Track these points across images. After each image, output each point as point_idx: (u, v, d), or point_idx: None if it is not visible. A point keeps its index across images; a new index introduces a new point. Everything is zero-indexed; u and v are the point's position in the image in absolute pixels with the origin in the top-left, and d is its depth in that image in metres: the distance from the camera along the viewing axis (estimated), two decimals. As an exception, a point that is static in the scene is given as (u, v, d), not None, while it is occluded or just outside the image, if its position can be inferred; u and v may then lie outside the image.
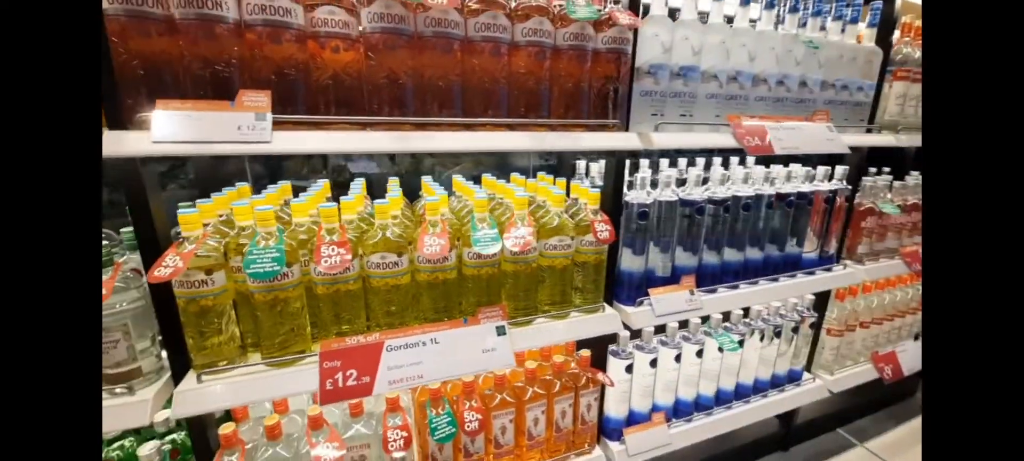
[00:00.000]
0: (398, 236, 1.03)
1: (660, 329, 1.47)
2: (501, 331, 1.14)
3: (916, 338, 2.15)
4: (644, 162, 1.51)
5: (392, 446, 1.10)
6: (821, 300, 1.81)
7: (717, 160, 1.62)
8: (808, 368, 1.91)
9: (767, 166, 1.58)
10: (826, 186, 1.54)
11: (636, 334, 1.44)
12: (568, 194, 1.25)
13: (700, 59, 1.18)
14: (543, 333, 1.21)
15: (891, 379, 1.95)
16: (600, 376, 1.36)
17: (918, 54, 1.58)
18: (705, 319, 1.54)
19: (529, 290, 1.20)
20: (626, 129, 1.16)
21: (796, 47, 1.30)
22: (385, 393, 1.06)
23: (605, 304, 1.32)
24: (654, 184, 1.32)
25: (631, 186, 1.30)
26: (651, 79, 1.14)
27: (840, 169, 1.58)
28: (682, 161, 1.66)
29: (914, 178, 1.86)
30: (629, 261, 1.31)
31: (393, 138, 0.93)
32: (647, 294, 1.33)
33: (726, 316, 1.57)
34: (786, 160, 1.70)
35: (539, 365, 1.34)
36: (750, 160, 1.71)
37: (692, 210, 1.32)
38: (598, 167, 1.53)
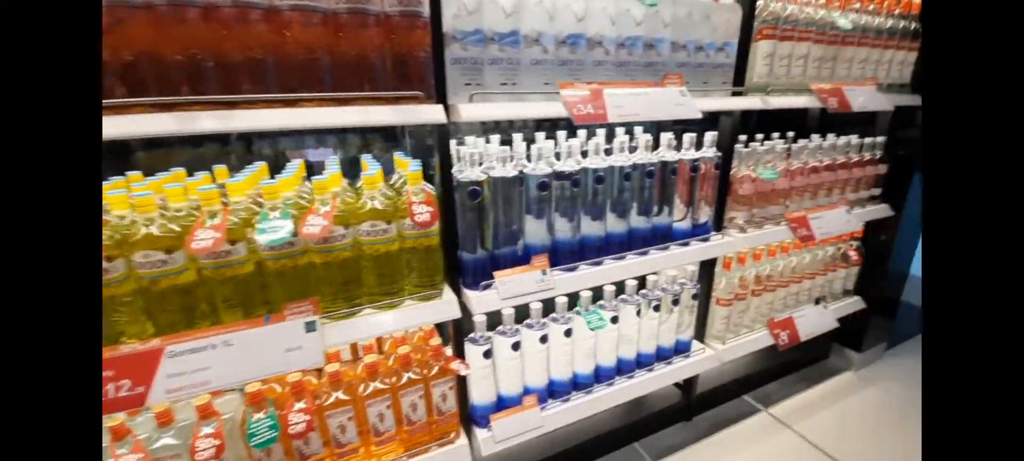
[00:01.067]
0: (166, 230, 0.93)
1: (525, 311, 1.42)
2: (311, 327, 1.06)
3: (817, 302, 2.16)
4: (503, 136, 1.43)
5: (200, 455, 1.02)
6: (707, 270, 1.78)
7: (583, 133, 1.55)
8: (701, 338, 1.90)
9: (654, 135, 1.51)
10: (692, 155, 1.48)
11: (496, 317, 1.38)
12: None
13: (518, 22, 1.09)
14: (370, 325, 1.13)
15: (787, 345, 1.95)
16: (453, 365, 1.30)
17: (788, 9, 1.52)
18: (574, 298, 1.49)
19: (350, 280, 1.11)
20: (441, 101, 1.07)
21: (633, 6, 1.22)
22: (163, 402, 0.97)
23: (446, 289, 1.25)
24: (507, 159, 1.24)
25: (475, 162, 1.22)
26: (459, 45, 1.05)
27: (711, 136, 1.52)
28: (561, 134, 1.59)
29: (808, 142, 1.83)
30: (468, 243, 1.24)
31: (129, 121, 0.83)
32: (493, 277, 1.26)
33: (597, 293, 1.52)
34: (666, 127, 1.64)
35: (382, 358, 1.28)
36: (620, 130, 1.65)
37: (536, 186, 1.25)
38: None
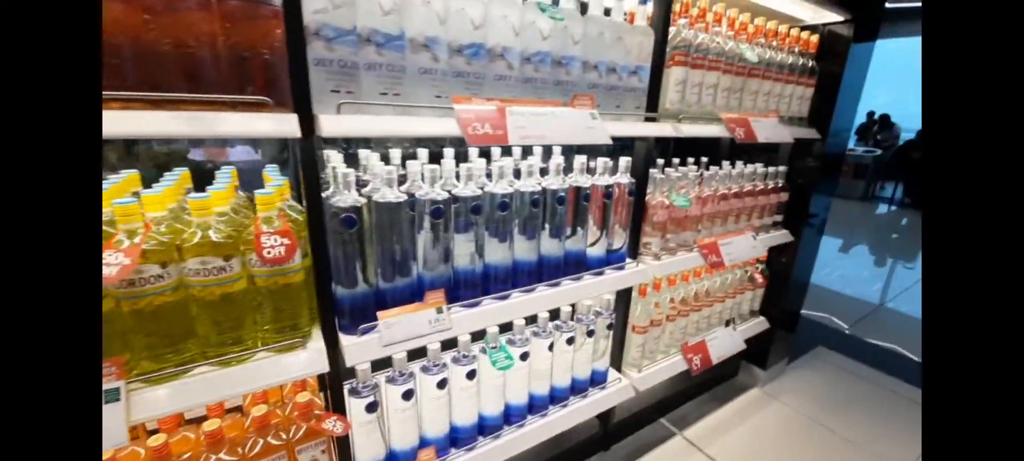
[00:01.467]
0: None
1: (420, 353, 1.24)
2: (112, 397, 0.80)
3: (727, 324, 2.21)
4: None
5: None
6: (623, 298, 1.73)
7: (498, 151, 1.42)
8: (618, 367, 1.84)
9: (568, 158, 1.40)
10: (607, 180, 1.41)
11: (384, 363, 1.19)
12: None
13: (401, 22, 0.93)
14: (202, 389, 0.89)
15: (699, 369, 1.95)
16: (327, 424, 1.08)
17: (699, 38, 1.51)
18: (480, 335, 1.34)
19: (174, 333, 0.87)
20: (302, 109, 0.86)
21: (540, 18, 1.11)
22: None
23: (316, 336, 1.04)
24: (386, 181, 1.05)
25: (352, 184, 1.02)
26: (323, 44, 0.86)
27: (625, 161, 1.46)
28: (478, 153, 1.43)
29: (718, 170, 1.86)
30: (345, 278, 1.04)
31: None
32: (377, 318, 1.07)
33: (503, 328, 1.39)
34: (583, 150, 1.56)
35: (230, 422, 1.03)
36: (538, 151, 1.54)
37: (430, 212, 1.09)
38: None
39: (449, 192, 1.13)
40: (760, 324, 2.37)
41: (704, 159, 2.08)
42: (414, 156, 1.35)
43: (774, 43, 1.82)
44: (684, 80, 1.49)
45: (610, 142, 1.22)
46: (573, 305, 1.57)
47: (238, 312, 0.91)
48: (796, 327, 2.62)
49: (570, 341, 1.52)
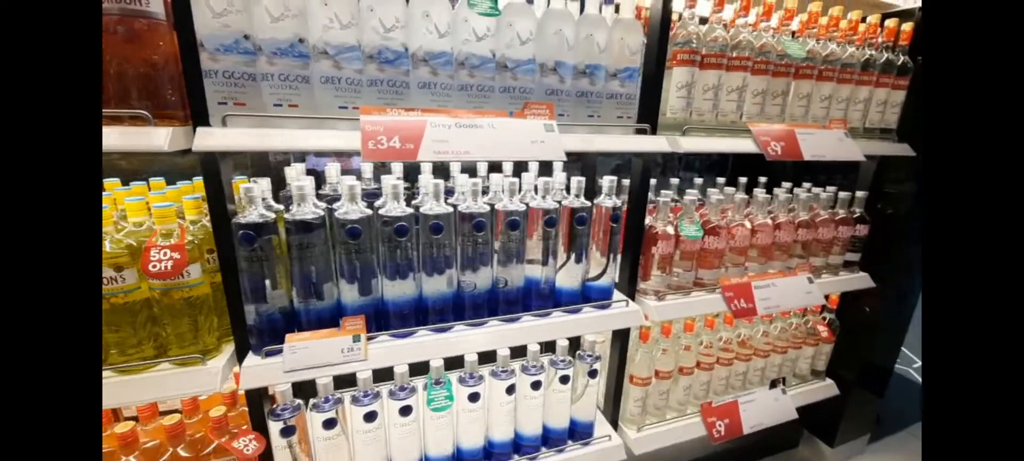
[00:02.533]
0: None
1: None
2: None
3: (773, 386, 1.78)
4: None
5: None
6: (620, 341, 1.46)
7: (484, 168, 1.29)
8: (614, 421, 1.56)
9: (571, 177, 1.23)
10: (579, 202, 1.19)
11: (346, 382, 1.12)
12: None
13: (294, 29, 0.85)
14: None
15: (723, 438, 1.59)
16: (239, 443, 1.05)
17: (715, 31, 1.21)
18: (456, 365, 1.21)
19: (75, 337, 0.89)
20: (197, 120, 0.83)
21: (473, 16, 0.95)
22: None
23: (222, 354, 1.01)
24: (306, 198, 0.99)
25: (261, 199, 0.98)
26: (207, 55, 0.81)
27: (609, 180, 1.22)
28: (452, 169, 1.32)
29: (757, 194, 1.50)
30: (252, 298, 0.99)
31: None
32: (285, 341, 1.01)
33: (451, 365, 1.24)
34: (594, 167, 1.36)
35: (156, 427, 1.04)
36: (508, 167, 1.37)
37: (347, 232, 1.00)
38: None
39: (373, 211, 1.03)
40: (824, 389, 1.87)
41: (762, 179, 1.72)
42: (388, 171, 1.29)
43: (834, 33, 1.41)
44: (689, 83, 1.21)
45: (563, 158, 1.01)
46: (571, 340, 1.35)
47: (134, 322, 0.91)
48: (883, 395, 2.03)
49: (536, 386, 1.31)
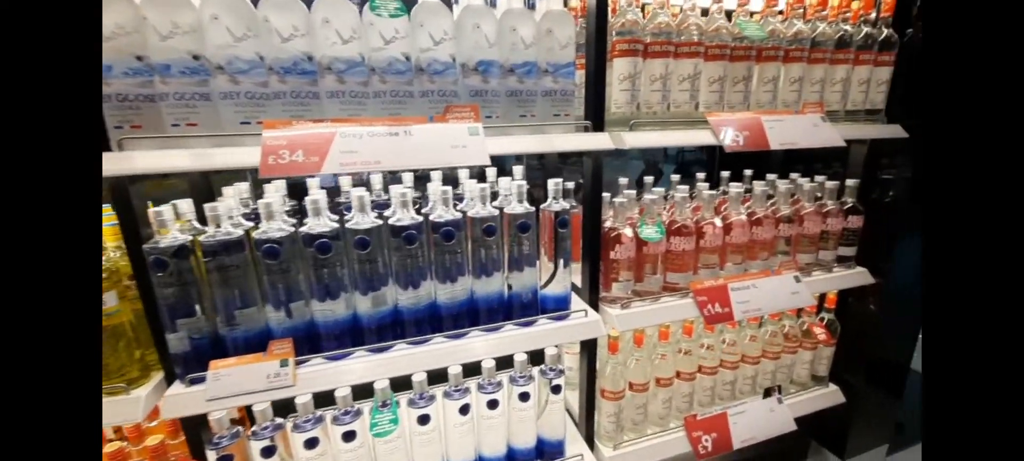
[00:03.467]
0: None
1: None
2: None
3: (767, 394, 1.64)
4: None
5: None
6: (588, 353, 1.37)
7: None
8: (590, 440, 1.46)
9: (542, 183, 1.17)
10: (521, 208, 1.12)
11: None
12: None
13: (195, 44, 0.83)
14: None
15: (710, 454, 1.46)
16: (171, 473, 1.02)
17: (659, 18, 1.14)
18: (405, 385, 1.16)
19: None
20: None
21: (376, 20, 0.91)
22: None
23: (150, 382, 0.98)
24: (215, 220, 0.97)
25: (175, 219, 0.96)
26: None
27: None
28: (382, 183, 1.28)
29: (727, 188, 1.40)
30: (172, 324, 0.96)
31: None
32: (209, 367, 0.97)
33: (397, 387, 1.18)
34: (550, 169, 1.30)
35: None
36: (465, 174, 1.32)
37: (264, 252, 0.96)
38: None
39: (296, 228, 0.99)
40: (828, 396, 1.71)
41: (747, 172, 1.62)
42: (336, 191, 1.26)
43: (799, 9, 1.30)
44: (633, 74, 1.13)
45: (486, 162, 0.95)
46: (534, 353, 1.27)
47: (48, 356, 0.89)
48: (901, 398, 1.84)
49: (492, 405, 1.24)
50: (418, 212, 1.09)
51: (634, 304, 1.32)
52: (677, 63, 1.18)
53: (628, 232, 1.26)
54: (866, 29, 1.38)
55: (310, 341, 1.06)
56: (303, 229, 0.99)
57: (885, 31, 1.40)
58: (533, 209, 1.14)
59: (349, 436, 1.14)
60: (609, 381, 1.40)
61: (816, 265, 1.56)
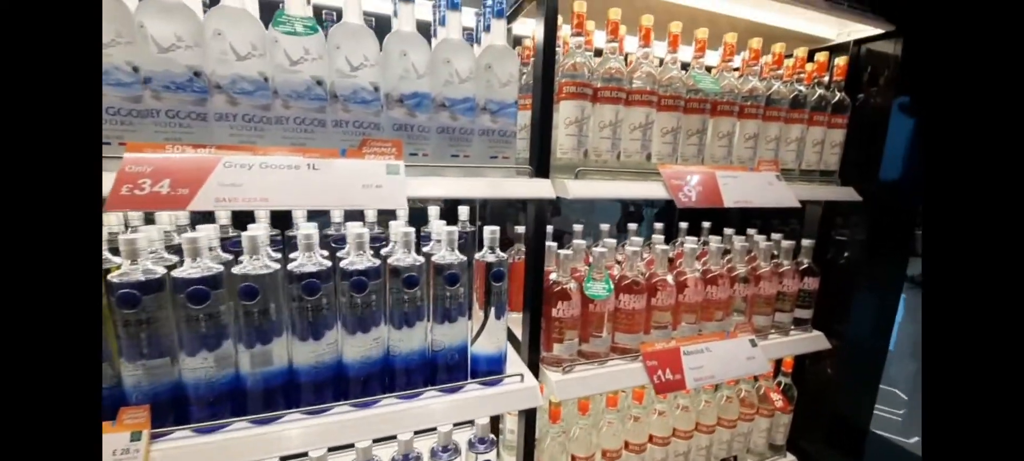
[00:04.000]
0: None
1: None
2: None
3: (724, 464, 1.52)
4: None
5: None
6: (528, 423, 1.21)
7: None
8: (526, 518, 1.28)
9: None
10: (450, 257, 0.99)
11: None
12: None
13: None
14: None
15: (659, 536, 1.31)
16: None
17: (610, 63, 1.07)
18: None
19: None
20: None
21: (282, 36, 0.79)
22: None
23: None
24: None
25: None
26: None
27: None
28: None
29: (684, 241, 1.31)
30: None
31: None
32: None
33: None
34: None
35: None
36: (399, 216, 1.18)
37: (117, 300, 0.78)
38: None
39: (165, 270, 0.82)
40: (786, 468, 1.61)
41: (705, 225, 1.56)
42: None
43: (755, 67, 1.27)
44: (580, 119, 1.04)
45: (403, 206, 0.82)
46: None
47: None
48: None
49: None
50: (333, 257, 0.95)
51: (578, 367, 1.19)
52: (628, 111, 1.10)
53: (573, 287, 1.14)
54: (820, 90, 1.36)
55: (176, 407, 0.86)
56: (178, 272, 0.82)
57: (838, 94, 1.39)
58: (464, 259, 1.01)
59: (222, 527, 0.93)
60: (548, 454, 1.24)
61: (772, 327, 1.49)
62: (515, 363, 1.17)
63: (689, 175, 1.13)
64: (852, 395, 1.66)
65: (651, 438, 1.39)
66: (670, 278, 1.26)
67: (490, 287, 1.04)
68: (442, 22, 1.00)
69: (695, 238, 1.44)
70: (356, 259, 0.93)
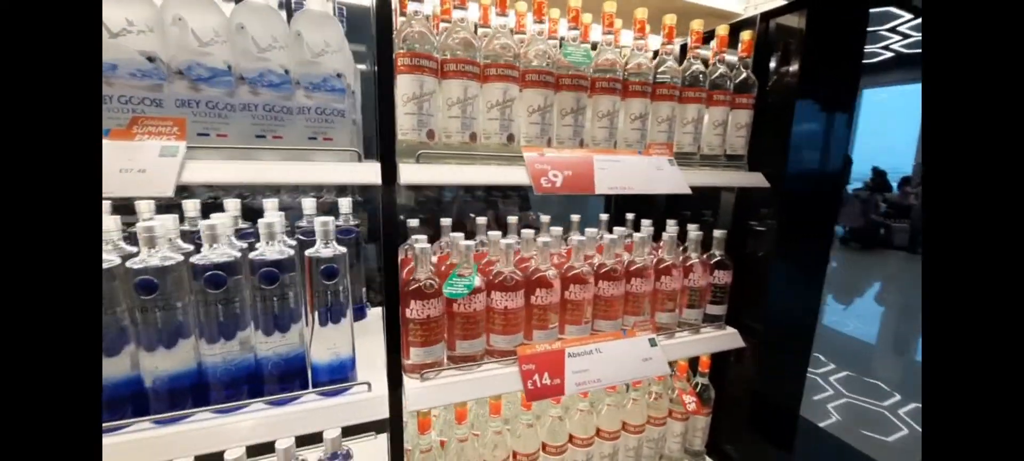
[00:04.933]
0: None
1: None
2: None
3: (633, 473, 1.41)
4: None
5: None
6: (391, 431, 1.10)
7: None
8: (400, 538, 1.17)
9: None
10: (277, 251, 0.87)
11: None
12: None
13: None
14: None
15: (550, 554, 1.20)
16: None
17: (460, 33, 0.95)
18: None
19: None
20: None
21: None
22: None
23: None
24: None
25: None
26: None
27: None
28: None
29: (560, 232, 1.20)
30: None
31: None
32: None
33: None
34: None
35: None
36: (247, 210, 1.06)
37: None
38: None
39: None
40: (703, 475, 1.50)
41: (630, 216, 1.47)
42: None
43: (640, 40, 1.16)
44: (419, 95, 0.93)
45: (168, 194, 0.70)
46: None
47: None
48: (791, 451, 1.66)
49: None
50: (126, 256, 0.83)
51: (444, 373, 1.08)
52: (483, 87, 0.99)
53: (430, 285, 1.03)
54: (721, 68, 1.25)
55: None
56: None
57: (744, 72, 1.28)
58: (289, 254, 0.90)
59: None
60: (418, 467, 1.13)
61: (679, 325, 1.38)
62: (370, 372, 1.05)
63: (557, 159, 1.02)
64: (773, 396, 1.56)
65: (544, 447, 1.28)
66: (552, 274, 1.15)
67: (320, 286, 0.92)
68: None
69: (595, 230, 1.33)
70: (149, 256, 0.81)
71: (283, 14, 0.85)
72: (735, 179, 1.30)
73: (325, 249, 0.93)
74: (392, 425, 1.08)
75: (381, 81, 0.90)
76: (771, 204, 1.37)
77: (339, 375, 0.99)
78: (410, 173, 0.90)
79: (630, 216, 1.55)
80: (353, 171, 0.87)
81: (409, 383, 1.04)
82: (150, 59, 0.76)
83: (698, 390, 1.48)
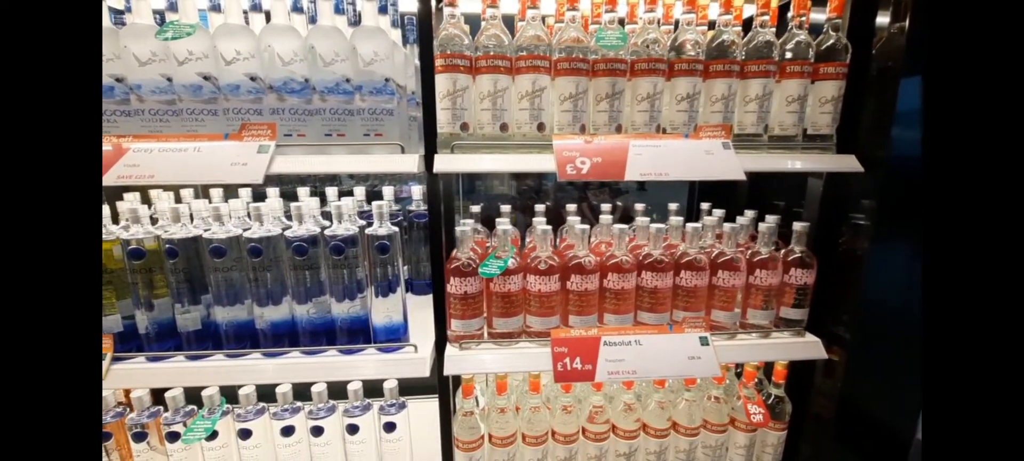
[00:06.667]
0: None
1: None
2: None
3: (685, 476, 1.34)
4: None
5: None
6: (442, 391, 1.25)
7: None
8: (449, 489, 1.33)
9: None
10: (343, 230, 1.07)
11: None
12: None
13: None
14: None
15: (584, 535, 1.24)
16: None
17: (489, 32, 1.02)
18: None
19: None
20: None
21: (172, 43, 0.95)
22: None
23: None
24: None
25: None
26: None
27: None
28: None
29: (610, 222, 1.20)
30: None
31: None
32: None
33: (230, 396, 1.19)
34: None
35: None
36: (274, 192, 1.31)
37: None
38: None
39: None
40: (771, 497, 1.34)
41: (705, 205, 1.45)
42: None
43: (690, 15, 1.07)
44: (452, 91, 1.03)
45: (258, 181, 0.93)
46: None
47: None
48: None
49: (287, 432, 1.20)
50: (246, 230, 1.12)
51: (481, 346, 1.18)
52: (514, 80, 1.05)
53: (469, 264, 1.13)
54: (800, 34, 1.09)
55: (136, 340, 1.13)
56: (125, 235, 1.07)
57: (834, 35, 1.09)
58: (355, 231, 1.09)
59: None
60: (461, 429, 1.26)
61: (747, 327, 1.25)
62: (421, 336, 1.21)
63: (584, 145, 1.03)
64: (876, 415, 1.30)
65: (583, 431, 1.30)
66: (589, 260, 1.16)
67: (376, 259, 1.10)
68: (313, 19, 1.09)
69: (645, 219, 1.27)
70: (258, 229, 1.08)
71: (347, 30, 1.03)
72: (817, 163, 1.12)
73: (380, 228, 1.10)
74: (440, 385, 1.22)
75: (425, 82, 1.02)
76: (872, 194, 1.14)
77: (393, 336, 1.16)
78: (444, 163, 1.02)
79: (705, 205, 1.44)
80: (398, 162, 1.02)
81: (449, 350, 1.17)
82: (252, 79, 1.00)
83: (769, 402, 1.32)
